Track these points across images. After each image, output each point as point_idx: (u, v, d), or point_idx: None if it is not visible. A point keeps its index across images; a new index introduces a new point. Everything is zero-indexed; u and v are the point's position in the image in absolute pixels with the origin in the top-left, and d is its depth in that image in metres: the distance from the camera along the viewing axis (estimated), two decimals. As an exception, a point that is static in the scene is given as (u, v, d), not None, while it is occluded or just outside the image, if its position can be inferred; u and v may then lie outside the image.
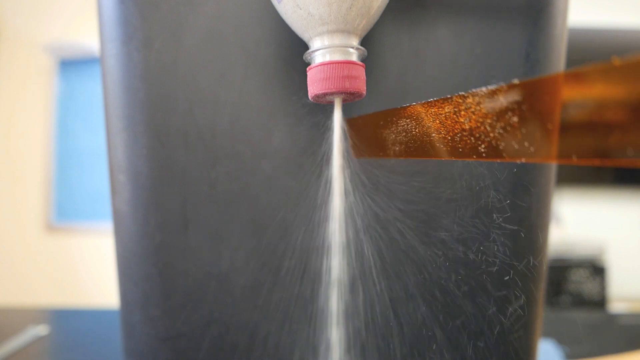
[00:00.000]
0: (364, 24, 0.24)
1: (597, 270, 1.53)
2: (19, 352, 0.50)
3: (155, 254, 0.30)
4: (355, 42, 0.24)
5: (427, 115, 0.22)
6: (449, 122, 0.21)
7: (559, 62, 0.30)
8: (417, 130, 0.23)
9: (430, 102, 0.22)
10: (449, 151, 0.21)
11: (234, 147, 0.29)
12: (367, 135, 0.27)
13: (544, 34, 0.29)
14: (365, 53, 0.25)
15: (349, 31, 0.24)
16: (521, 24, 0.29)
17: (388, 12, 0.26)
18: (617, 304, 1.63)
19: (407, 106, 0.23)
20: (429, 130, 0.22)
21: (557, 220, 1.69)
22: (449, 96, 0.21)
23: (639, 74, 0.13)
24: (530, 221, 0.30)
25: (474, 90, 0.19)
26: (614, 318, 0.66)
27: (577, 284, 1.53)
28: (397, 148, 0.24)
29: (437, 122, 0.21)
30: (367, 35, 0.26)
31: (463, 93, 0.20)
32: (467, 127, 0.20)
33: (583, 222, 1.80)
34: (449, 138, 0.21)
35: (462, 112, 0.20)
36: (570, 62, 0.33)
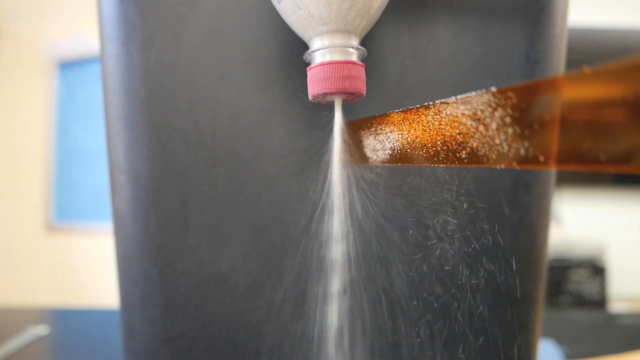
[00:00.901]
0: (364, 24, 0.24)
1: (597, 270, 1.53)
2: (19, 352, 0.50)
3: (155, 254, 0.30)
4: (355, 42, 0.24)
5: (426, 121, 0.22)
6: (434, 129, 0.21)
7: (559, 62, 0.30)
8: (416, 136, 0.23)
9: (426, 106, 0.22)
10: (437, 158, 0.21)
11: (234, 147, 0.29)
12: (356, 141, 0.27)
13: (544, 34, 0.29)
14: (365, 53, 0.25)
15: (349, 31, 0.24)
16: (521, 24, 0.29)
17: (388, 12, 0.26)
18: (617, 304, 1.63)
19: (408, 109, 0.23)
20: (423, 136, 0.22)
21: (557, 220, 1.69)
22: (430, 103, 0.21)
23: (612, 80, 0.13)
24: (530, 221, 0.30)
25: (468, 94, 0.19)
26: (614, 318, 0.66)
27: (577, 284, 1.53)
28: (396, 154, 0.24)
29: (421, 128, 0.22)
30: (367, 35, 0.26)
31: (450, 99, 0.20)
32: (450, 132, 0.20)
33: (583, 222, 1.80)
34: (439, 144, 0.21)
35: (443, 120, 0.20)
36: (570, 62, 0.33)
